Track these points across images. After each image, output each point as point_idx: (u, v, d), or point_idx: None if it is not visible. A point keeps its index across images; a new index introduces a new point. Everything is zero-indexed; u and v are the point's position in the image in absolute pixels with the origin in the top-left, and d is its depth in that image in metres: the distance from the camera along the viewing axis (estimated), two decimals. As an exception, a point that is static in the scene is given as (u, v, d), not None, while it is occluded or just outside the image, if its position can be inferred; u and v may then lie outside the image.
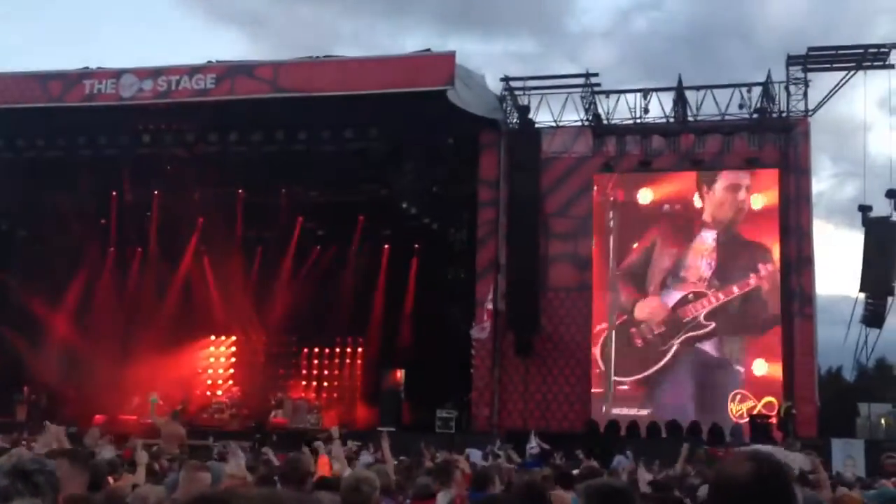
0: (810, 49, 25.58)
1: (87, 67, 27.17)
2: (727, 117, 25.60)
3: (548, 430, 23.08)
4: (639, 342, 25.36)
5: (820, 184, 72.93)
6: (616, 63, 71.23)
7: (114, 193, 30.51)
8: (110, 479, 6.97)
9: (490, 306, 25.01)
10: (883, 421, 24.80)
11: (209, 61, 27.01)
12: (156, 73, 26.36)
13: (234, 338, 33.05)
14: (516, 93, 26.81)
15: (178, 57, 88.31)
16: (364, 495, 4.50)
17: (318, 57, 27.34)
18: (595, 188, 26.25)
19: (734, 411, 24.28)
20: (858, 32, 72.75)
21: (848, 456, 21.24)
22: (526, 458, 17.31)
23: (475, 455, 16.32)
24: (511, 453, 16.97)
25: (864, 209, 24.30)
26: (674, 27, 77.97)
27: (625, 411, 24.94)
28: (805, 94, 25.48)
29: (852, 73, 25.19)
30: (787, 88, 25.53)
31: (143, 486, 6.18)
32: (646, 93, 26.35)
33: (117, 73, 26.47)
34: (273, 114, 26.25)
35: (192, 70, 26.20)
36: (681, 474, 10.72)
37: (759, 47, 66.65)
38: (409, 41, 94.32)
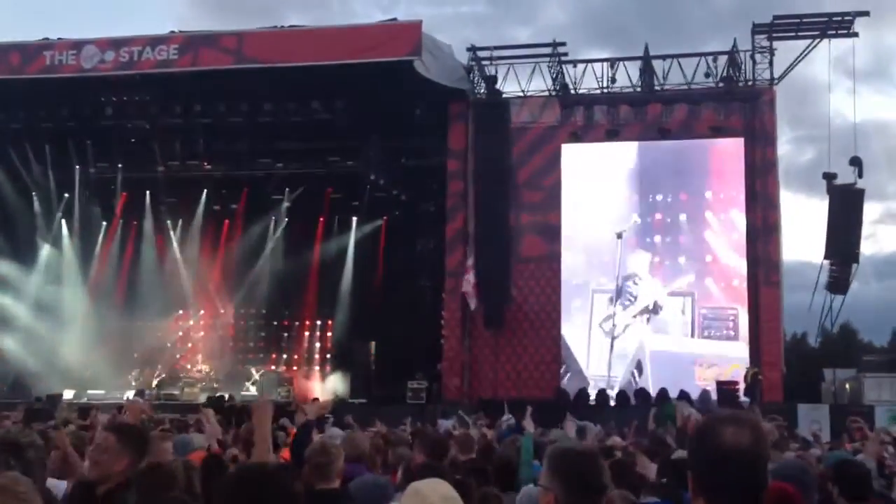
0: (776, 17, 25.64)
1: (46, 38, 26.66)
2: (693, 86, 25.69)
3: (519, 400, 23.12)
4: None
5: (779, 149, 73.08)
6: (572, 26, 70.43)
7: (77, 167, 30.08)
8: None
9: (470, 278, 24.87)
10: (847, 386, 25.16)
11: (172, 31, 26.59)
12: (117, 43, 25.89)
13: (202, 312, 32.81)
14: (483, 62, 26.67)
15: (121, 24, 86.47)
16: (331, 456, 4.59)
17: (283, 26, 27.01)
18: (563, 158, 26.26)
19: (701, 377, 24.49)
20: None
21: (813, 421, 21.54)
22: (503, 430, 17.34)
23: (446, 425, 16.32)
24: (480, 424, 16.93)
25: (829, 176, 24.42)
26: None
27: (594, 380, 25.12)
28: (770, 63, 25.60)
29: (817, 41, 25.30)
30: (752, 57, 25.64)
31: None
32: (613, 62, 26.33)
33: (78, 44, 25.97)
34: (238, 85, 25.85)
35: (154, 40, 25.73)
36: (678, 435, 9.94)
37: (718, 8, 66.27)
38: (357, 5, 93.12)
